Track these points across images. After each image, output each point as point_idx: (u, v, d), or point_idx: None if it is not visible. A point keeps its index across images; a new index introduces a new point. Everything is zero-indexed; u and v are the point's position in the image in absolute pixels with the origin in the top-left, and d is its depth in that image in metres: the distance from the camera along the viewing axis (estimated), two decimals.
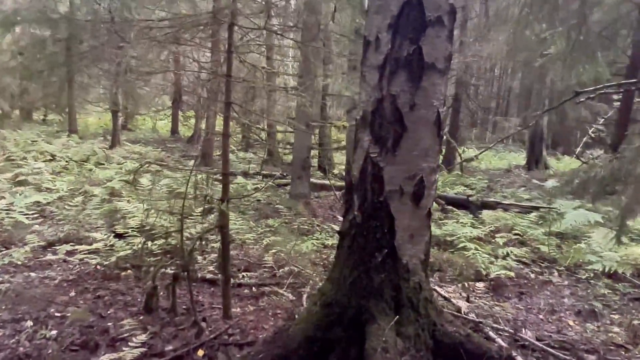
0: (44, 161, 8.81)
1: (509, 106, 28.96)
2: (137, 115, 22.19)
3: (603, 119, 15.92)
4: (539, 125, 16.33)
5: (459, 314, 3.24)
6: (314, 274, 3.93)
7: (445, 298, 3.55)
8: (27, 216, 5.21)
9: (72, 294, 3.59)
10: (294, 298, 3.42)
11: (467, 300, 3.61)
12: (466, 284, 4.01)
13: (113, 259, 3.97)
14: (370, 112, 2.52)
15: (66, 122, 16.94)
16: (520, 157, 19.44)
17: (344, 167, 12.53)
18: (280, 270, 4.12)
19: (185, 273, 3.23)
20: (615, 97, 13.80)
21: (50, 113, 21.71)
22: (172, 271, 3.73)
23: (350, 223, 2.62)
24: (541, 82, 16.01)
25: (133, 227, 4.73)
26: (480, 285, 4.00)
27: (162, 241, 4.60)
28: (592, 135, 17.03)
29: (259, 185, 8.40)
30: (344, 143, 10.50)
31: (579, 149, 16.86)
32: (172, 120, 20.63)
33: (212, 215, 4.30)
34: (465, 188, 10.61)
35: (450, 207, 7.61)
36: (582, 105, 17.09)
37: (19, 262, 4.09)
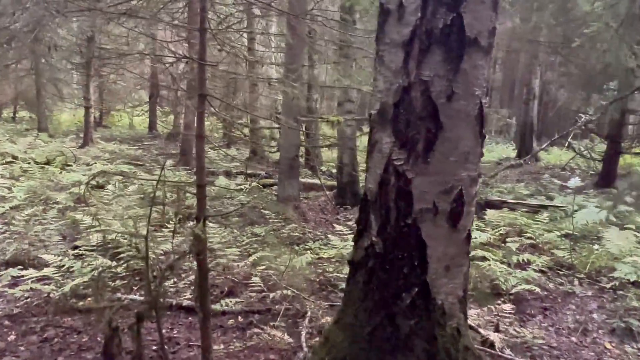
0: (2, 164, 7.94)
1: (491, 98, 28.75)
2: (112, 112, 21.16)
3: (593, 109, 15.60)
4: (528, 116, 15.97)
5: (492, 351, 2.66)
6: (313, 304, 3.30)
7: (470, 327, 2.96)
8: None
9: (12, 337, 2.88)
10: (291, 340, 2.78)
11: (497, 329, 3.03)
12: (493, 307, 3.44)
13: (68, 287, 3.27)
14: (393, 104, 1.89)
15: (36, 119, 15.93)
16: (509, 149, 19.10)
17: (332, 164, 11.89)
18: (272, 294, 3.48)
19: (154, 311, 2.57)
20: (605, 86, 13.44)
21: (20, 110, 20.52)
22: (140, 301, 3.07)
23: (367, 252, 1.99)
24: (532, 72, 15.62)
25: (95, 245, 4.02)
26: (507, 307, 3.43)
27: (129, 259, 3.91)
28: (582, 126, 16.71)
29: (242, 186, 7.72)
30: (332, 140, 9.85)
31: (569, 140, 16.56)
32: (150, 116, 19.68)
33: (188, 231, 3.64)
34: None
35: None
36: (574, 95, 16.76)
37: None
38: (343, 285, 3.86)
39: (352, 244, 2.12)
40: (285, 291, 3.53)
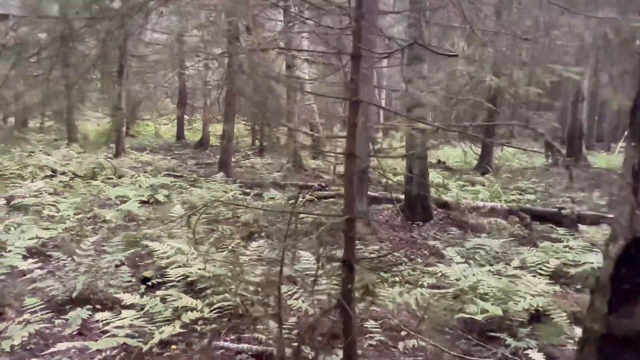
0: (43, 178, 7.51)
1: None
2: (139, 121, 20.91)
3: None
4: (577, 119, 15.07)
5: None
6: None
7: None
8: (26, 260, 3.93)
9: None
10: None
11: None
12: None
13: (155, 339, 2.68)
14: None
15: (65, 129, 15.65)
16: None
17: (378, 172, 11.23)
18: (401, 344, 2.85)
19: None
20: None
21: (47, 120, 20.36)
22: None
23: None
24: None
25: (172, 278, 3.45)
26: None
27: (216, 295, 3.32)
28: None
29: (300, 199, 7.13)
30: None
31: (620, 143, 15.64)
32: (178, 124, 19.40)
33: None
34: (521, 193, 9.37)
35: (535, 223, 6.36)
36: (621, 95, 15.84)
37: (15, 342, 2.80)
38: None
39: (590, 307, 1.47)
40: (419, 341, 2.90)
